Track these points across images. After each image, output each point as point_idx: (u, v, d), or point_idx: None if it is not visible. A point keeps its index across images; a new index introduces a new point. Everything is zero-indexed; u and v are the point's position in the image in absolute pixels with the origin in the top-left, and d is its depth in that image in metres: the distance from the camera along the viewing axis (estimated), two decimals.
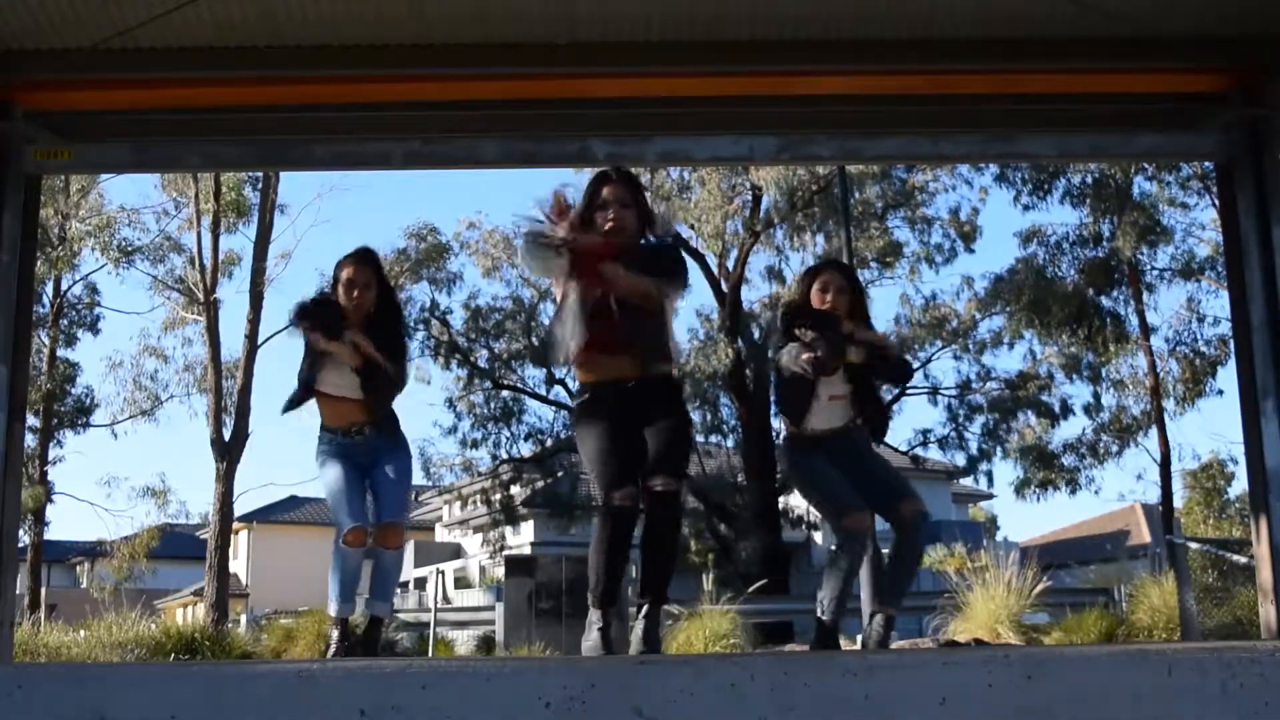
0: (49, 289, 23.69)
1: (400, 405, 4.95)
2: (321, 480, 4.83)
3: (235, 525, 24.58)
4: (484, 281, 24.98)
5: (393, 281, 7.34)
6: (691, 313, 23.13)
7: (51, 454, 24.53)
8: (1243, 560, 10.99)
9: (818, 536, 27.46)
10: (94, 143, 6.26)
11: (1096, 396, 21.49)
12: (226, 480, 18.86)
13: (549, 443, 22.54)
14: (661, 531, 4.11)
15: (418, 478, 24.53)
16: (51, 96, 5.86)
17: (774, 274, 21.20)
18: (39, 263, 15.39)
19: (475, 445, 22.61)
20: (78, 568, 42.83)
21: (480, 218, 23.55)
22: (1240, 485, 26.06)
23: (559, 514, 23.20)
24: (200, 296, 20.00)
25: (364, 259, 4.94)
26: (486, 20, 5.55)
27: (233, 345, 20.06)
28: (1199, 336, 21.06)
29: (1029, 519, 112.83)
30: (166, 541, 25.96)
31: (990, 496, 41.63)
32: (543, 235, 4.06)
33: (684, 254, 4.47)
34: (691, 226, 20.22)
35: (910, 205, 21.06)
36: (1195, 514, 26.59)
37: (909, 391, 21.78)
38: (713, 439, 22.79)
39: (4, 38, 5.57)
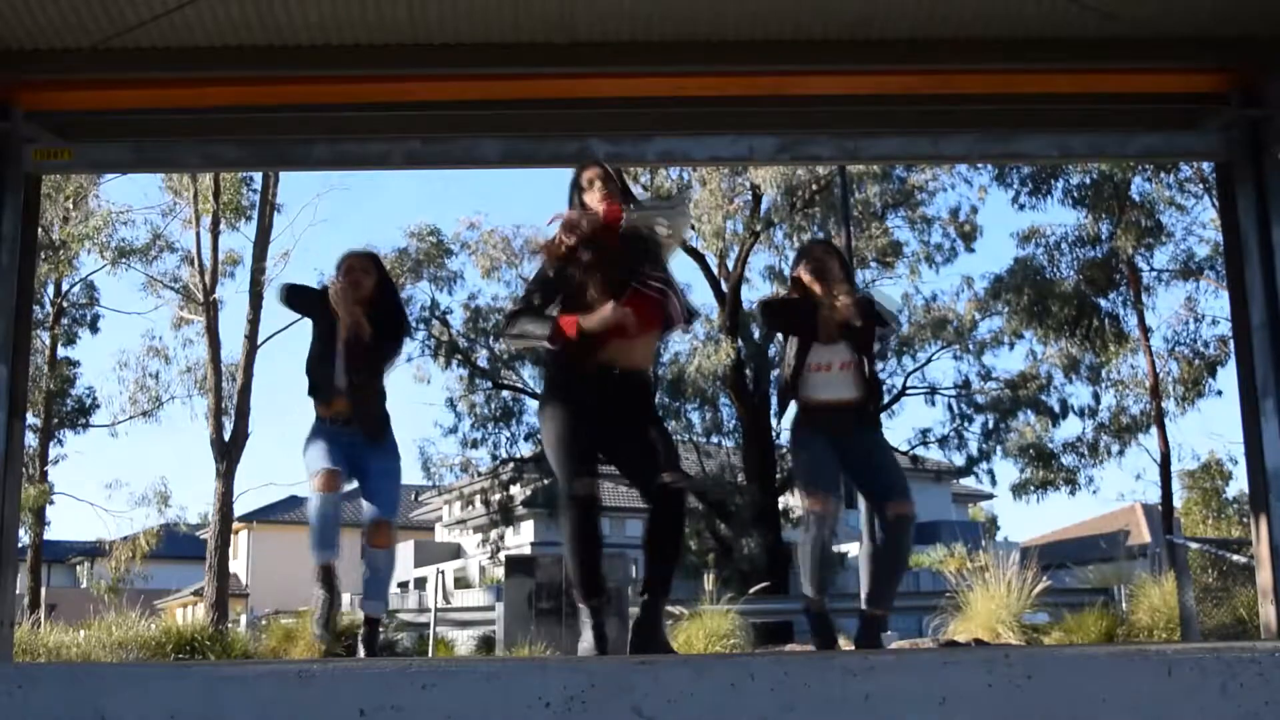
0: (49, 289, 23.68)
1: (400, 405, 4.95)
2: (304, 460, 4.79)
3: (235, 525, 24.58)
4: (484, 281, 24.94)
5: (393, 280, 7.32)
6: None
7: (52, 453, 24.55)
8: (1243, 560, 10.99)
9: None
10: (94, 143, 6.27)
11: (1096, 396, 21.52)
12: (226, 480, 18.87)
13: None
14: (670, 528, 4.11)
15: (418, 478, 24.54)
16: (51, 96, 5.88)
17: (774, 274, 21.21)
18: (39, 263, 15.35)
19: (475, 445, 22.62)
20: (78, 568, 42.85)
21: (480, 218, 23.58)
22: (1240, 485, 26.05)
23: (558, 514, 23.11)
24: (200, 297, 20.00)
25: (364, 252, 5.03)
26: (486, 20, 5.55)
27: (233, 345, 20.08)
28: (1199, 337, 21.08)
29: (1029, 519, 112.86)
30: (166, 541, 25.93)
31: (990, 496, 41.72)
32: (526, 335, 4.07)
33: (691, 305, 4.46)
34: (692, 226, 20.21)
35: (910, 205, 21.07)
36: (1195, 514, 26.59)
37: (909, 391, 21.82)
38: (713, 439, 22.79)
39: (4, 38, 5.58)
